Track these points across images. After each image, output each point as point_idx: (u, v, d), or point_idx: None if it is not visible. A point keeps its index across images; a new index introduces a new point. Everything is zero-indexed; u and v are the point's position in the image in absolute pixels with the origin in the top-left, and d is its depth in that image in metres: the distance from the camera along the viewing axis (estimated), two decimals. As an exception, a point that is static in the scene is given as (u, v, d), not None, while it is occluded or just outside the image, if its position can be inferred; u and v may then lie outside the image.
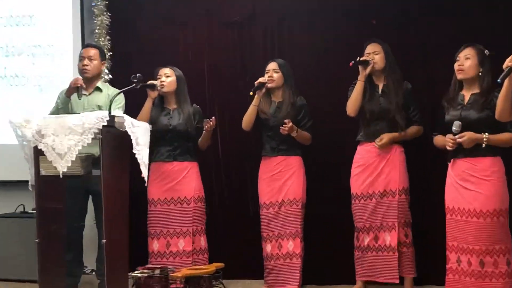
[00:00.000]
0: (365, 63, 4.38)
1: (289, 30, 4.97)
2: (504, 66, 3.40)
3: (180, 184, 4.55)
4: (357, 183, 4.40)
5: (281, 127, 4.43)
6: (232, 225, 4.96)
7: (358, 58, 4.37)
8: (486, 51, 3.89)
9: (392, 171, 4.33)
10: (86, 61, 4.50)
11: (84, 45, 4.75)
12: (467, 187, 3.85)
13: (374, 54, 4.41)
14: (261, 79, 4.56)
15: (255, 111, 4.58)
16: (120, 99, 4.43)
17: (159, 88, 4.53)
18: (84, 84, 4.37)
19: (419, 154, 4.55)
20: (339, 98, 4.50)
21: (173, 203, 4.53)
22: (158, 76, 4.58)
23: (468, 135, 3.76)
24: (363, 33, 4.66)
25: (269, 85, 4.58)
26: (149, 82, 4.48)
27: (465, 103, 3.90)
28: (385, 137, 4.30)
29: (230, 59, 5.06)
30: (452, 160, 3.93)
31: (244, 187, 4.96)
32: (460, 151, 3.88)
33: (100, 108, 4.44)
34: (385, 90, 4.41)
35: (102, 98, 4.52)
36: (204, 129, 4.50)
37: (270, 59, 4.67)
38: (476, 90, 3.90)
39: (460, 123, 3.82)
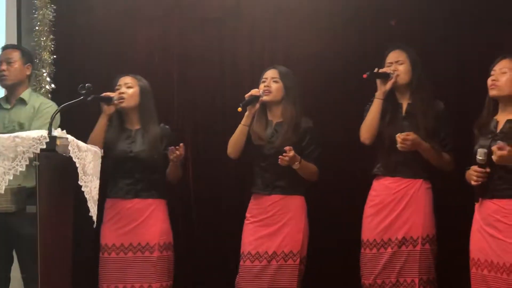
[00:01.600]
0: (385, 76, 4.13)
1: (284, 29, 4.80)
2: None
3: (142, 227, 4.26)
4: (370, 226, 4.15)
5: (280, 156, 4.09)
6: (207, 282, 4.75)
7: (377, 69, 4.12)
8: None
9: (415, 214, 4.08)
10: (3, 66, 4.40)
11: (2, 47, 4.59)
12: (494, 234, 3.67)
13: (397, 64, 4.15)
14: (254, 91, 4.23)
15: (245, 133, 4.25)
16: (47, 113, 4.20)
17: (116, 102, 4.27)
18: (6, 94, 4.30)
19: (450, 192, 4.31)
20: (351, 119, 4.31)
21: (132, 251, 4.25)
22: (117, 87, 4.34)
23: (508, 150, 3.52)
24: (381, 36, 4.54)
25: (264, 98, 4.24)
26: (104, 94, 4.26)
27: (497, 131, 3.74)
28: (414, 135, 4.00)
29: (206, 64, 4.85)
30: (480, 200, 3.74)
31: (222, 233, 4.73)
32: (488, 189, 3.68)
33: (21, 126, 4.28)
34: (410, 111, 4.16)
35: (25, 113, 4.34)
36: (169, 159, 4.22)
37: (269, 66, 4.37)
38: None
39: (485, 151, 3.62)
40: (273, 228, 4.22)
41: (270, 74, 4.31)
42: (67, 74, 4.90)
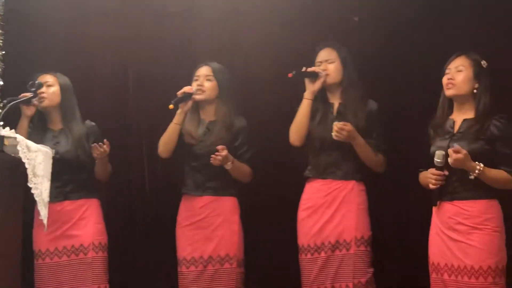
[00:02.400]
0: (313, 75, 4.07)
1: (246, 27, 4.78)
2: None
3: (75, 229, 4.20)
4: (304, 231, 4.11)
5: (212, 156, 4.05)
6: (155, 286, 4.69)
7: (304, 68, 4.07)
8: (483, 62, 3.74)
9: (347, 216, 4.06)
10: None
11: None
12: (455, 237, 3.66)
13: (327, 63, 4.12)
14: (186, 88, 4.15)
15: (177, 132, 4.16)
16: None
17: (36, 102, 4.16)
18: None
19: (397, 195, 4.43)
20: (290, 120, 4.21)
21: (66, 254, 4.19)
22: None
23: (464, 153, 3.53)
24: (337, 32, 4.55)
25: (197, 97, 4.18)
26: (22, 95, 4.10)
27: (455, 131, 3.72)
28: (350, 126, 3.97)
29: (162, 60, 4.79)
30: (438, 203, 3.73)
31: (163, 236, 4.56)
32: (447, 192, 3.68)
33: None
34: (341, 111, 4.12)
35: None
36: (94, 156, 4.14)
37: (203, 63, 4.30)
38: (470, 114, 3.72)
39: (443, 152, 3.62)
40: (206, 231, 4.17)
41: (203, 71, 4.24)
42: (16, 71, 4.61)
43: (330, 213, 4.10)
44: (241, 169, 4.20)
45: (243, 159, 4.22)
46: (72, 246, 4.22)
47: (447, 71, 3.77)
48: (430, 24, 4.54)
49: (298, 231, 4.16)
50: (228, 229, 4.20)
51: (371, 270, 4.09)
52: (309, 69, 4.10)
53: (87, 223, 4.25)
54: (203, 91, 4.22)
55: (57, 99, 4.28)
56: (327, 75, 4.11)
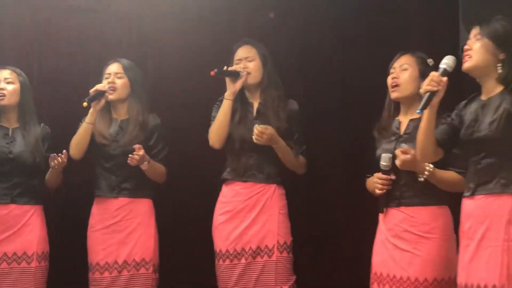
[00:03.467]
0: (235, 75, 4.02)
1: (158, 23, 4.70)
2: (422, 91, 3.20)
3: (19, 235, 4.10)
4: (221, 236, 4.05)
5: (130, 155, 3.96)
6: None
7: (226, 67, 4.03)
8: (429, 60, 3.69)
9: (269, 221, 4.01)
10: None
11: None
12: (401, 246, 3.57)
13: (247, 61, 4.08)
14: (99, 86, 4.08)
15: (89, 132, 4.08)
16: None
17: None
18: None
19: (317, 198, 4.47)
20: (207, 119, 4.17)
21: (6, 261, 4.08)
22: None
23: (413, 154, 3.44)
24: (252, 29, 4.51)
25: (110, 97, 4.11)
26: None
27: (401, 132, 3.66)
28: (272, 130, 3.94)
29: (71, 56, 4.69)
30: (384, 210, 3.65)
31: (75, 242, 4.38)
32: (394, 197, 3.60)
33: None
34: (261, 111, 4.08)
35: None
36: (50, 166, 4.06)
37: (112, 60, 4.22)
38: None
39: (390, 155, 3.54)
40: (121, 235, 4.09)
41: (114, 69, 4.17)
42: None
43: (252, 217, 4.04)
44: (156, 169, 4.14)
45: (157, 158, 4.17)
46: (14, 253, 4.11)
47: (391, 70, 3.72)
48: (352, 20, 4.61)
49: (215, 236, 4.10)
50: (144, 233, 4.14)
51: (293, 277, 4.07)
52: (230, 68, 4.05)
53: (32, 230, 4.15)
54: (115, 89, 4.16)
55: (16, 98, 4.20)
56: (248, 74, 4.07)
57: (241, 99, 4.13)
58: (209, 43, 4.66)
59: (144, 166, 4.05)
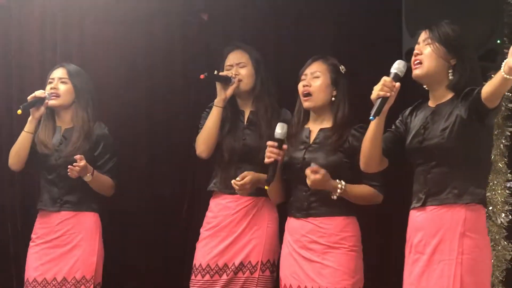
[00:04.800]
0: (226, 80, 3.95)
1: (81, 21, 4.61)
2: (373, 97, 3.11)
3: None
4: (204, 250, 3.96)
5: (69, 166, 3.89)
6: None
7: (216, 71, 3.97)
8: (342, 67, 3.70)
9: (256, 236, 3.95)
10: None
11: None
12: (309, 257, 3.58)
13: (238, 66, 4.01)
14: (38, 93, 4.00)
15: (28, 141, 4.02)
16: None
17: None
18: None
19: None
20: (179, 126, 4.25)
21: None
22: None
23: (322, 174, 3.42)
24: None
25: (51, 102, 4.03)
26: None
27: (310, 141, 3.66)
28: (249, 175, 3.83)
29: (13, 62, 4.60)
30: (288, 218, 3.64)
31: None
32: (301, 208, 3.60)
33: None
34: (253, 119, 4.03)
35: None
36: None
37: (57, 64, 4.18)
38: (328, 124, 3.67)
39: (286, 125, 3.57)
40: (63, 250, 4.03)
41: (58, 74, 4.10)
42: None
43: (238, 232, 3.97)
44: (102, 181, 4.07)
45: (103, 170, 4.10)
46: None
47: (302, 77, 3.69)
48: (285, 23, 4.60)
49: (196, 251, 4.02)
50: (87, 249, 4.06)
51: None
52: (222, 73, 3.98)
53: None
54: (58, 96, 4.08)
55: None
56: (239, 80, 4.00)
57: (231, 106, 4.06)
58: (159, 43, 4.64)
59: (87, 178, 3.98)
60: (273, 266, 3.98)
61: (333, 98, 3.66)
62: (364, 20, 4.52)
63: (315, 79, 3.66)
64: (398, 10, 4.19)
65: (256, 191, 3.91)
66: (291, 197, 3.69)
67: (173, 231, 4.55)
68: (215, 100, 3.99)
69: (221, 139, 4.00)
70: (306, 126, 3.72)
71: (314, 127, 3.69)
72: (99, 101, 4.21)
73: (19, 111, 3.92)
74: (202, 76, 3.89)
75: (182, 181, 4.57)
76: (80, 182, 4.00)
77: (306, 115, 3.73)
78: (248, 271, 3.95)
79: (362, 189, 3.57)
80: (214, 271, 3.96)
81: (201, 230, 4.03)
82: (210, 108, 4.01)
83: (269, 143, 3.56)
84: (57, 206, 4.07)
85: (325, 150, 3.61)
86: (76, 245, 4.06)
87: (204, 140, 3.99)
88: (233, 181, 3.81)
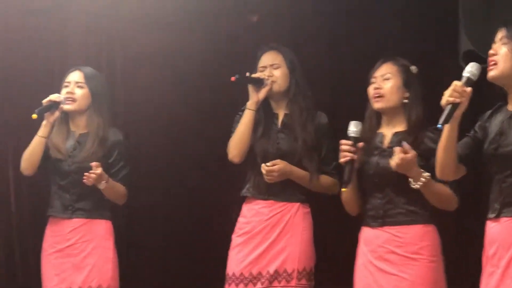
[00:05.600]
0: (259, 82, 3.92)
1: (127, 25, 4.66)
2: (443, 103, 3.05)
3: None
4: (237, 258, 3.92)
5: (85, 174, 3.89)
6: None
7: (248, 73, 3.92)
8: (413, 68, 3.66)
9: (291, 243, 3.90)
10: None
11: None
12: (386, 269, 3.50)
13: (272, 68, 3.96)
14: (53, 96, 4.00)
15: (41, 146, 4.01)
16: None
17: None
18: None
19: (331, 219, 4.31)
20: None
21: None
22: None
23: (413, 154, 3.34)
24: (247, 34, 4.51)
25: (66, 107, 4.03)
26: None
27: (385, 146, 3.59)
28: (281, 163, 3.86)
29: (31, 61, 4.63)
30: (363, 227, 3.57)
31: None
32: (377, 216, 3.54)
33: None
34: (287, 123, 3.98)
35: None
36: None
37: (73, 67, 4.17)
38: (401, 127, 3.62)
39: (359, 122, 3.54)
40: (76, 259, 4.02)
41: (74, 77, 4.10)
42: None
43: (272, 239, 3.92)
44: (115, 189, 4.07)
45: (117, 177, 4.09)
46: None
47: (372, 80, 3.65)
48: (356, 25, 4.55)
49: (229, 258, 3.98)
50: (101, 257, 4.05)
51: None
52: (254, 75, 3.95)
53: None
54: (73, 100, 4.08)
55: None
56: (273, 82, 3.96)
57: (265, 109, 4.03)
58: (188, 47, 4.60)
59: (102, 186, 3.97)
60: (310, 275, 3.94)
61: (405, 100, 3.61)
62: (419, 19, 4.50)
63: (385, 81, 3.61)
64: (454, 9, 4.20)
65: (291, 196, 3.91)
66: (366, 206, 3.64)
67: (206, 238, 4.60)
68: (248, 103, 3.96)
69: (254, 143, 3.97)
70: (378, 131, 3.66)
71: (387, 131, 3.63)
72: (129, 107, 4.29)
73: (34, 116, 3.92)
74: (233, 79, 3.87)
75: (216, 187, 4.59)
76: (93, 189, 4.00)
77: (378, 119, 3.67)
78: (284, 280, 3.90)
79: (441, 187, 3.48)
80: (248, 279, 3.92)
81: (233, 236, 4.00)
82: (243, 111, 3.99)
83: (343, 141, 3.51)
84: (69, 213, 4.07)
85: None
86: (89, 253, 4.05)
87: (236, 145, 3.97)
88: (263, 165, 3.84)
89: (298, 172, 3.90)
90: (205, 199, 4.53)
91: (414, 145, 3.47)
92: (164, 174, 4.57)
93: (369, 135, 3.63)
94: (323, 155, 4.00)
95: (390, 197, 3.50)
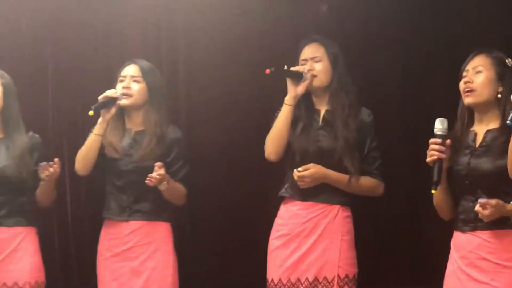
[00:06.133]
0: (297, 76, 3.84)
1: (189, 15, 4.59)
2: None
3: (8, 263, 3.95)
4: (275, 263, 3.87)
5: (149, 175, 3.83)
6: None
7: (286, 66, 3.86)
8: (509, 60, 3.55)
9: (330, 248, 3.82)
10: None
11: None
12: (477, 277, 3.39)
13: (313, 61, 3.89)
14: (109, 92, 3.95)
15: (97, 145, 3.96)
16: None
17: None
18: None
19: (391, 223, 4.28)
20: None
21: None
22: None
23: (492, 206, 3.25)
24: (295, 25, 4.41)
25: (123, 102, 3.97)
26: None
27: (477, 145, 3.48)
28: (314, 168, 3.80)
29: (87, 56, 4.61)
30: (455, 232, 3.46)
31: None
32: (469, 220, 3.42)
33: None
34: (328, 119, 3.90)
35: None
36: (41, 177, 3.92)
37: (128, 60, 4.12)
38: (495, 124, 3.49)
39: (446, 120, 3.41)
40: (134, 263, 3.98)
41: (130, 71, 4.05)
42: None
43: (310, 243, 3.84)
44: (176, 190, 4.00)
45: (177, 177, 4.02)
46: (4, 284, 3.95)
47: (464, 73, 3.54)
48: (441, 14, 4.41)
49: (268, 263, 3.93)
50: (161, 261, 3.99)
51: None
52: (292, 68, 3.87)
53: (23, 256, 4.00)
54: (130, 95, 4.01)
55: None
56: (313, 76, 3.88)
57: (305, 104, 3.95)
58: (255, 38, 4.52)
59: (163, 186, 3.90)
60: (352, 281, 3.87)
61: (499, 95, 3.49)
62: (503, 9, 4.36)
63: (477, 75, 3.50)
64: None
65: (331, 197, 3.86)
66: (457, 209, 3.55)
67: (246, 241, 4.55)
68: (286, 98, 3.90)
69: (292, 140, 3.90)
70: (471, 129, 3.54)
71: (480, 129, 3.51)
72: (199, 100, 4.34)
73: (91, 112, 3.88)
74: (268, 71, 3.82)
75: (252, 186, 4.56)
76: (151, 189, 3.93)
77: (470, 117, 3.55)
78: (324, 287, 3.85)
79: None
80: (286, 286, 3.87)
81: (270, 238, 3.96)
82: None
83: (432, 140, 3.38)
84: (126, 215, 4.02)
85: (493, 154, 3.43)
86: (148, 258, 4.00)
87: (273, 142, 3.91)
88: (294, 170, 3.79)
89: (334, 175, 3.84)
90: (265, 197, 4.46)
91: (506, 145, 3.36)
92: (226, 174, 4.54)
93: (460, 133, 3.55)
94: (365, 154, 3.93)
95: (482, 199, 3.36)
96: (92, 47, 4.66)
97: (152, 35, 4.67)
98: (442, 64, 4.22)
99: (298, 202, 3.89)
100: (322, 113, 3.95)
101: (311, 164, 3.79)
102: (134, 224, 4.00)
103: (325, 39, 3.97)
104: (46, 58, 4.67)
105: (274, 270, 3.88)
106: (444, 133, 3.39)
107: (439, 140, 3.37)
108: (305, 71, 3.86)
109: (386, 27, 4.43)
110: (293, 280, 3.85)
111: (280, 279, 3.87)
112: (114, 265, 4.00)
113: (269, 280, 3.91)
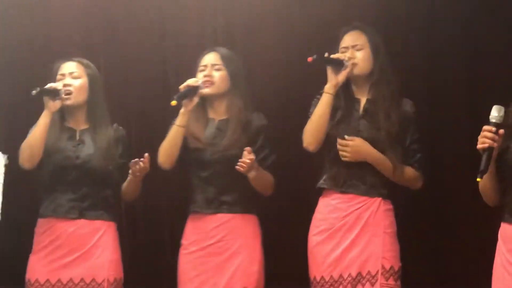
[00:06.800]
0: (338, 64, 3.85)
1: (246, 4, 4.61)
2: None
3: (87, 258, 3.98)
4: (316, 260, 3.88)
5: (240, 161, 3.83)
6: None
7: (327, 54, 3.85)
8: None
9: (372, 242, 3.83)
10: None
11: None
12: None
13: (354, 49, 3.90)
14: (191, 81, 3.95)
15: (180, 137, 3.97)
16: None
17: (63, 96, 3.97)
18: None
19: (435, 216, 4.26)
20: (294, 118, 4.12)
21: None
22: (59, 76, 4.05)
23: None
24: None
25: (206, 91, 3.99)
26: (49, 85, 3.95)
27: None
28: (359, 141, 3.82)
29: (143, 47, 4.68)
30: (502, 223, 3.40)
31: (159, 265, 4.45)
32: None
33: None
34: (369, 109, 3.92)
35: None
36: (130, 172, 3.94)
37: (207, 48, 4.13)
38: None
39: (503, 108, 3.35)
40: (219, 259, 3.97)
41: (211, 59, 4.07)
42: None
43: (351, 238, 3.85)
44: (264, 178, 3.98)
45: (265, 165, 4.00)
46: (82, 280, 3.98)
47: None
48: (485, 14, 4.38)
49: (310, 261, 3.92)
50: (248, 256, 3.97)
51: None
52: (333, 56, 3.86)
53: (103, 252, 4.02)
54: (212, 83, 4.02)
55: (84, 95, 4.07)
56: (354, 64, 3.88)
57: (345, 93, 3.95)
58: (316, 26, 4.51)
59: (252, 175, 3.87)
60: (398, 274, 3.86)
61: None
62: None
63: None
64: None
65: (371, 189, 3.87)
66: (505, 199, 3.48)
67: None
68: (326, 86, 3.89)
69: (331, 129, 3.90)
70: None
71: None
72: (258, 91, 4.26)
73: (174, 102, 3.87)
74: (310, 59, 3.81)
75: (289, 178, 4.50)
76: (239, 179, 3.93)
77: None
78: (368, 282, 3.83)
79: None
80: (329, 283, 3.87)
81: (309, 235, 3.95)
82: (321, 94, 3.92)
83: (486, 127, 3.31)
84: (213, 208, 4.01)
85: None
86: (234, 253, 3.98)
87: (312, 131, 3.90)
88: (339, 139, 3.82)
89: (377, 155, 3.84)
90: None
91: None
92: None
93: None
94: (407, 145, 3.94)
95: None
96: (146, 37, 4.75)
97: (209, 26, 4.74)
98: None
99: (338, 195, 3.90)
100: (363, 102, 3.97)
101: (358, 138, 3.81)
102: (221, 218, 3.99)
103: (368, 27, 4.00)
104: (97, 49, 4.75)
105: (316, 268, 3.89)
106: (499, 121, 3.33)
107: (493, 128, 3.31)
108: (346, 58, 3.88)
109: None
110: (335, 276, 3.86)
111: (322, 277, 3.88)
112: (199, 260, 4.00)
113: (312, 278, 3.91)
